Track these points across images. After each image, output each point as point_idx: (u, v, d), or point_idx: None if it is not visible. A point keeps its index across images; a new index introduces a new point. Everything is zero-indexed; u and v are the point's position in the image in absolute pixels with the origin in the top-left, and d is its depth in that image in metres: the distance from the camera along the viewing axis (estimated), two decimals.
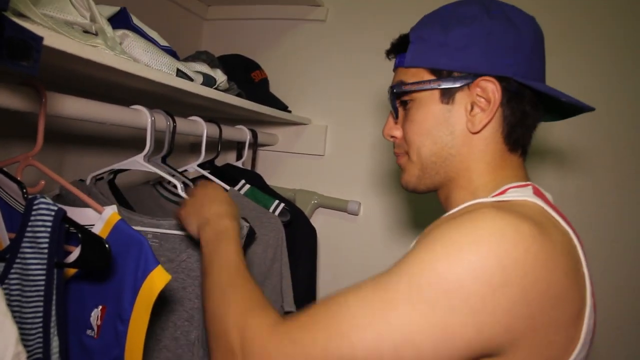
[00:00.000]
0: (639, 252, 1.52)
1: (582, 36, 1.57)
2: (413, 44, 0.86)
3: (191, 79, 1.16)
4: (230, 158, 1.75)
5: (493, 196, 0.77)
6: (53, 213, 0.73)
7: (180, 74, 1.11)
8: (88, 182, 1.13)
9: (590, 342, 0.70)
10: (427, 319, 0.61)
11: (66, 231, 0.78)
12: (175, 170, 1.19)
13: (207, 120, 1.35)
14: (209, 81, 1.24)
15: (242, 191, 1.43)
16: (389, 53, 0.92)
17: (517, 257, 0.61)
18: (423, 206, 1.71)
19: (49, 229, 0.73)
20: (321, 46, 1.88)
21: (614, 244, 1.52)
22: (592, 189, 1.57)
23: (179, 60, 1.16)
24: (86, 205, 0.86)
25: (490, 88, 0.79)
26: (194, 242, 1.09)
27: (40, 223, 0.73)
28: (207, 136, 1.33)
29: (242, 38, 1.99)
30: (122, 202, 1.21)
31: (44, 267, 0.73)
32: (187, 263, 1.09)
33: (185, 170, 1.38)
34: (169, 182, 1.33)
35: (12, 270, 0.73)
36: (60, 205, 0.75)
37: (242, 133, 1.57)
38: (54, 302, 0.74)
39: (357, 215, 1.82)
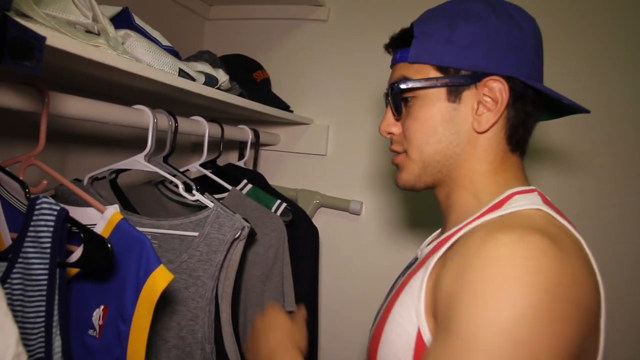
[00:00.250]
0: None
1: (581, 37, 1.57)
2: (417, 39, 0.84)
3: (193, 79, 1.16)
4: (232, 158, 1.75)
5: (497, 202, 0.77)
6: (55, 213, 0.73)
7: (182, 73, 1.11)
8: (85, 182, 1.13)
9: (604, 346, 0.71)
10: None
11: (68, 231, 0.78)
12: (177, 170, 1.19)
13: (209, 120, 1.35)
14: (211, 81, 1.24)
15: (244, 191, 1.43)
16: (388, 47, 0.91)
17: (556, 282, 0.61)
18: (425, 206, 1.71)
19: (51, 229, 0.73)
20: (323, 46, 1.88)
21: (616, 245, 1.52)
22: (592, 190, 1.57)
23: (181, 60, 1.16)
24: (88, 204, 0.86)
25: (498, 88, 0.78)
26: (195, 243, 1.10)
27: (42, 223, 0.73)
28: (209, 136, 1.33)
29: (244, 38, 1.99)
30: (124, 202, 1.21)
31: (47, 266, 0.73)
32: (188, 263, 1.09)
33: (187, 170, 1.39)
34: (171, 181, 1.34)
35: (15, 270, 0.73)
36: (62, 205, 0.75)
37: (244, 133, 1.57)
38: (56, 301, 0.74)
39: (359, 215, 1.82)
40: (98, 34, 0.92)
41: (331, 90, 1.87)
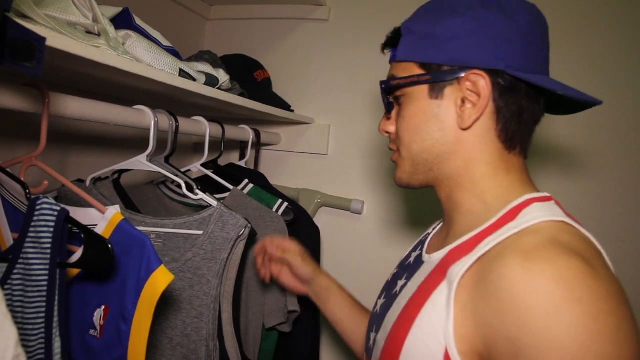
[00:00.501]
0: None
1: (587, 34, 1.57)
2: (404, 37, 0.83)
3: (194, 79, 1.16)
4: (233, 158, 1.75)
5: (511, 210, 0.74)
6: (56, 213, 0.73)
7: (182, 74, 1.11)
8: (87, 183, 1.14)
9: None
10: None
11: (70, 231, 0.78)
12: (178, 170, 1.19)
13: (210, 120, 1.35)
14: (211, 81, 1.25)
15: (246, 191, 1.43)
16: (383, 47, 0.90)
17: (614, 302, 0.61)
18: (427, 205, 1.70)
19: (51, 229, 0.73)
20: (324, 45, 1.88)
21: (619, 244, 1.52)
22: (594, 187, 1.56)
23: (182, 61, 1.16)
24: (89, 205, 0.86)
25: (480, 82, 0.76)
26: (199, 241, 1.10)
27: (43, 223, 0.73)
28: (210, 136, 1.33)
29: (244, 38, 1.99)
30: (127, 202, 1.21)
31: (47, 267, 0.73)
32: (192, 262, 1.10)
33: (189, 170, 1.39)
34: (173, 181, 1.34)
35: (15, 271, 0.73)
36: (63, 206, 0.75)
37: (245, 133, 1.57)
38: (56, 302, 0.74)
39: (360, 214, 1.82)
40: (98, 35, 0.92)
41: (332, 89, 1.87)
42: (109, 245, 0.75)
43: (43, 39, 0.62)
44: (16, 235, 0.77)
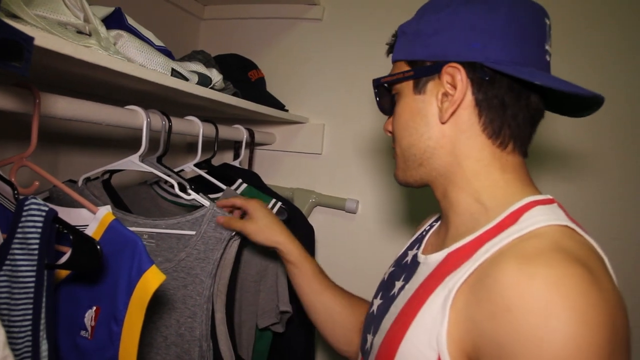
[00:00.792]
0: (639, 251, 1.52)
1: (586, 34, 1.57)
2: (399, 38, 0.85)
3: (186, 79, 1.16)
4: (227, 157, 1.75)
5: (513, 213, 0.73)
6: (44, 214, 0.73)
7: (175, 73, 1.11)
8: (80, 183, 1.13)
9: None
10: None
11: (60, 232, 0.78)
12: (171, 170, 1.19)
13: (204, 120, 1.35)
14: (204, 81, 1.24)
15: (239, 190, 1.43)
16: (388, 52, 0.91)
17: (609, 314, 0.60)
18: (421, 204, 1.70)
19: (39, 230, 0.72)
20: (318, 45, 1.88)
21: (614, 242, 1.52)
22: (590, 185, 1.57)
23: (175, 60, 1.16)
24: (81, 205, 0.86)
25: (456, 74, 0.76)
26: (192, 241, 1.10)
27: (30, 224, 0.72)
28: (203, 136, 1.33)
29: (238, 37, 1.99)
30: (117, 202, 1.21)
31: (34, 268, 0.72)
32: (186, 262, 1.10)
33: (182, 170, 1.38)
34: (166, 182, 1.34)
35: (1, 272, 0.72)
36: (51, 206, 0.75)
37: (239, 132, 1.57)
38: (43, 304, 0.73)
39: (355, 213, 1.82)
40: (89, 35, 0.91)
41: (326, 89, 1.87)
42: (98, 246, 0.74)
43: (31, 39, 0.61)
44: (5, 236, 0.77)
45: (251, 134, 1.62)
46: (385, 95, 0.91)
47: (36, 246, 0.73)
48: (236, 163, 1.60)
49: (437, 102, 0.79)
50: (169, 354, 1.07)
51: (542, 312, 0.59)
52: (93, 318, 0.81)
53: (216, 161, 1.50)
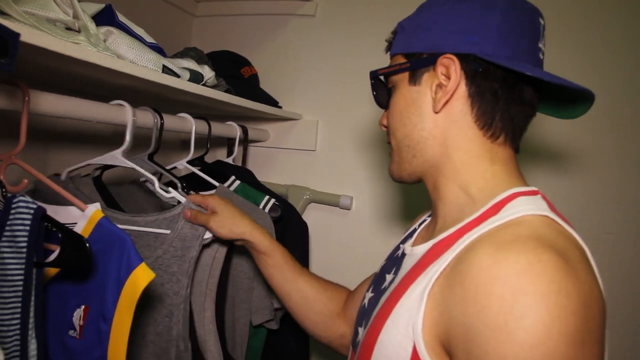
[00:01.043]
0: (632, 245, 1.52)
1: (579, 32, 1.57)
2: (397, 34, 0.87)
3: (178, 76, 1.15)
4: (221, 154, 1.74)
5: (496, 204, 0.73)
6: (32, 211, 0.72)
7: (166, 70, 1.11)
8: (63, 176, 1.12)
9: None
10: None
11: (49, 230, 0.77)
12: (163, 167, 1.18)
13: (197, 117, 1.34)
14: (196, 77, 1.24)
15: (232, 187, 1.42)
16: (387, 49, 0.92)
17: (580, 302, 0.59)
18: (416, 200, 1.70)
19: (27, 228, 0.72)
20: (311, 41, 1.88)
21: (609, 235, 1.53)
22: (586, 181, 1.57)
23: (166, 57, 1.16)
24: (68, 202, 0.85)
25: (451, 65, 0.77)
26: (169, 238, 1.09)
27: (19, 222, 0.72)
28: (196, 133, 1.32)
29: (232, 34, 1.99)
30: (108, 199, 1.20)
31: (23, 266, 0.71)
32: (163, 259, 1.08)
33: (175, 168, 1.38)
34: (160, 179, 1.33)
35: None
36: (40, 204, 0.74)
37: (232, 129, 1.57)
38: (32, 303, 0.73)
39: (349, 209, 1.82)
40: (79, 31, 0.91)
41: (320, 85, 1.87)
42: (87, 244, 0.74)
43: (17, 35, 0.61)
44: None
45: (245, 131, 1.61)
46: (382, 88, 0.92)
47: (24, 244, 0.73)
48: (230, 160, 1.60)
49: (431, 93, 0.80)
50: (147, 351, 1.05)
51: (511, 298, 0.59)
52: (82, 317, 0.81)
53: (210, 158, 1.50)
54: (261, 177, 1.63)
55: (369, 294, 0.93)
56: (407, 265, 0.83)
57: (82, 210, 0.83)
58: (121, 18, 1.08)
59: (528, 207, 0.71)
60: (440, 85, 0.79)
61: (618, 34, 1.53)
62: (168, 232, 1.09)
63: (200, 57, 1.41)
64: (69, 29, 0.91)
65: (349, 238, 1.84)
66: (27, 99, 0.81)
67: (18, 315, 0.72)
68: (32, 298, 0.74)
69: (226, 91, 1.42)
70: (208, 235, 1.11)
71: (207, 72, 1.31)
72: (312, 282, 1.15)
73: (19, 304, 0.72)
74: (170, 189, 1.16)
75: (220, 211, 1.11)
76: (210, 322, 1.13)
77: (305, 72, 1.89)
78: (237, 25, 1.98)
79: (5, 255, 0.71)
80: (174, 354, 1.04)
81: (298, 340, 1.48)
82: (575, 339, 0.57)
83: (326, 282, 1.18)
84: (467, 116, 0.79)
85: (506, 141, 0.81)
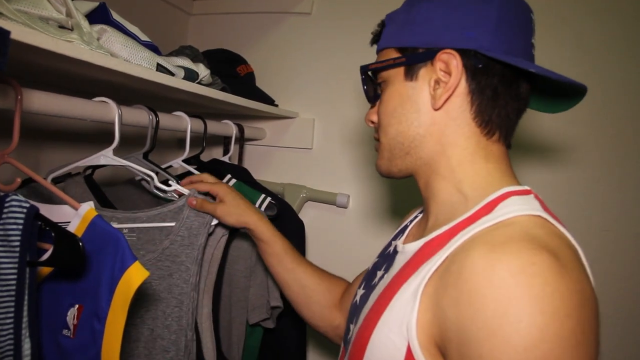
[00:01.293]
0: (630, 242, 1.52)
1: (567, 27, 1.57)
2: (386, 26, 0.86)
3: (172, 74, 1.15)
4: (217, 153, 1.74)
5: (489, 203, 0.73)
6: (25, 210, 0.72)
7: (160, 68, 1.10)
8: (49, 180, 1.10)
9: None
10: None
11: (42, 229, 0.77)
12: (158, 166, 1.18)
13: (193, 115, 1.34)
14: (190, 75, 1.23)
15: None
16: (372, 42, 0.91)
17: (574, 304, 0.59)
18: (412, 198, 1.69)
19: (20, 227, 0.71)
20: (307, 39, 1.88)
21: (604, 232, 1.53)
22: (578, 178, 1.57)
23: (161, 55, 1.15)
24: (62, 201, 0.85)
25: (451, 61, 0.76)
26: (175, 229, 1.09)
27: (12, 221, 0.71)
28: (192, 131, 1.31)
29: (228, 32, 1.98)
30: (100, 198, 1.19)
31: (16, 266, 0.71)
32: (170, 250, 1.08)
33: (170, 167, 1.37)
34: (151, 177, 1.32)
35: None
36: (33, 202, 0.74)
37: (228, 128, 1.56)
38: (25, 302, 0.72)
39: (346, 208, 1.82)
40: (71, 29, 0.90)
41: (316, 83, 1.86)
42: (80, 243, 0.73)
43: (7, 33, 0.60)
44: None
45: (241, 130, 1.61)
46: (372, 83, 0.91)
47: (17, 243, 0.72)
48: (226, 159, 1.59)
49: (429, 89, 0.79)
50: (155, 347, 1.05)
51: (505, 301, 0.59)
52: (75, 316, 0.80)
53: (206, 157, 1.50)
54: (257, 175, 1.63)
55: (361, 291, 0.93)
56: (398, 263, 0.82)
57: (76, 208, 0.83)
58: (115, 16, 1.08)
59: (521, 207, 0.71)
60: (438, 81, 0.78)
61: (615, 29, 1.53)
62: (173, 224, 1.11)
63: (195, 55, 1.41)
64: (62, 27, 0.90)
65: (345, 236, 1.84)
66: (19, 97, 0.81)
67: (11, 315, 0.72)
68: (26, 297, 0.73)
69: (222, 89, 1.41)
70: (215, 221, 1.13)
71: (202, 70, 1.30)
72: (311, 272, 1.17)
73: (12, 303, 0.72)
74: (171, 181, 1.17)
75: (228, 200, 1.13)
76: (207, 319, 1.13)
77: (301, 70, 1.89)
78: (233, 23, 1.98)
79: None
80: (183, 344, 1.05)
81: (295, 339, 1.48)
82: (570, 341, 0.57)
83: (325, 273, 1.20)
84: (466, 113, 0.79)
85: (500, 138, 0.81)
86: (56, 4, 0.90)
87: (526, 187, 0.77)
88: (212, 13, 2.00)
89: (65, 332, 0.81)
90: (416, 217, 0.99)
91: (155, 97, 1.39)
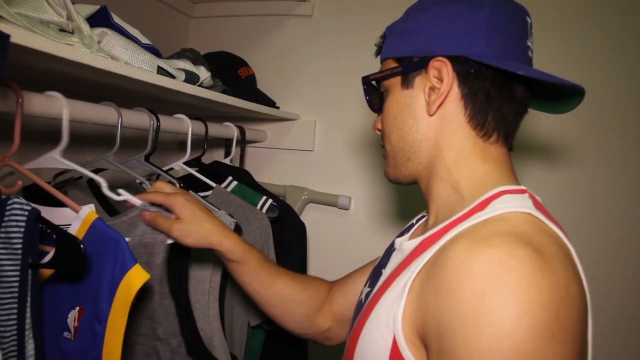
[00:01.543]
0: (632, 243, 1.52)
1: (566, 29, 1.57)
2: (386, 38, 0.88)
3: (173, 77, 1.15)
4: (218, 155, 1.74)
5: (483, 201, 0.74)
6: (26, 213, 0.72)
7: (161, 71, 1.11)
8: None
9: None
10: None
11: (43, 231, 0.77)
12: (160, 168, 1.18)
13: (194, 118, 1.34)
14: (191, 78, 1.24)
15: (229, 188, 1.43)
16: (376, 53, 0.93)
17: (551, 298, 0.58)
18: (413, 200, 1.70)
19: (22, 229, 0.72)
20: (308, 41, 1.88)
21: (607, 233, 1.52)
22: (580, 180, 1.57)
23: (162, 58, 1.15)
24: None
25: (443, 68, 0.78)
26: (131, 246, 0.97)
27: (13, 223, 0.72)
28: (193, 134, 1.32)
29: (229, 35, 1.99)
30: (102, 201, 1.19)
31: (18, 268, 0.71)
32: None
33: (172, 169, 1.38)
34: (157, 179, 1.32)
35: None
36: (34, 205, 0.74)
37: (230, 130, 1.57)
38: (28, 303, 0.73)
39: (347, 209, 1.82)
40: (72, 33, 0.91)
41: (317, 85, 1.87)
42: (81, 245, 0.73)
43: (7, 36, 0.61)
44: None
45: (242, 132, 1.61)
46: (374, 93, 0.94)
47: (19, 246, 0.72)
48: (227, 161, 1.60)
49: (424, 96, 0.82)
50: (136, 352, 0.98)
51: (481, 291, 0.59)
52: (76, 319, 0.80)
53: (207, 159, 1.50)
54: (259, 177, 1.63)
55: (366, 289, 0.94)
56: (395, 260, 0.85)
57: (76, 211, 0.83)
58: (116, 19, 1.08)
59: (512, 204, 0.72)
60: (432, 88, 0.80)
61: (617, 30, 1.53)
62: (128, 239, 0.87)
63: (196, 58, 1.41)
64: (62, 30, 0.91)
65: (347, 238, 1.83)
66: (20, 100, 0.81)
67: (15, 316, 0.72)
68: (29, 299, 0.74)
69: (223, 92, 1.42)
70: (170, 240, 0.97)
71: (203, 73, 1.30)
72: (291, 283, 1.09)
73: (15, 305, 0.72)
74: (120, 190, 0.99)
75: (186, 217, 0.97)
76: (215, 320, 1.13)
77: (302, 72, 1.89)
78: (234, 26, 1.98)
79: (1, 256, 0.71)
80: (167, 352, 0.98)
81: (296, 341, 1.48)
82: (545, 334, 0.57)
83: (305, 279, 1.14)
84: (460, 117, 0.80)
85: (499, 140, 0.82)
86: (57, 7, 0.91)
87: (522, 187, 0.78)
88: (213, 16, 2.00)
89: (66, 334, 0.81)
90: (423, 217, 1.00)
91: (156, 100, 1.39)
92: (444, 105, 0.80)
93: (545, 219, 0.70)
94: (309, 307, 1.10)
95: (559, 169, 1.59)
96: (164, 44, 1.25)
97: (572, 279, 0.63)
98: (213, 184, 1.36)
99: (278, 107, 1.77)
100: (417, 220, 1.01)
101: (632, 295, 1.51)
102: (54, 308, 0.83)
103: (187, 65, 1.26)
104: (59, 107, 0.90)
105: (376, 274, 0.93)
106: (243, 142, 1.65)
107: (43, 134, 1.41)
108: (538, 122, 1.57)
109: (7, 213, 0.72)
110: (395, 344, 0.68)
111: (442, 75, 0.78)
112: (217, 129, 1.48)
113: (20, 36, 0.69)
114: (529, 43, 0.81)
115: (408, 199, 1.74)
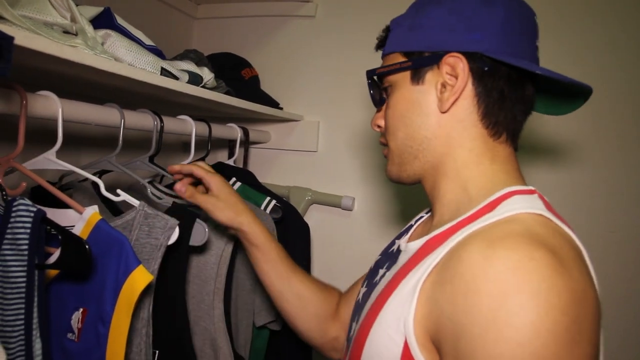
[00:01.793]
0: (636, 243, 1.52)
1: (570, 30, 1.57)
2: (392, 31, 0.86)
3: (176, 78, 1.15)
4: (222, 156, 1.75)
5: (492, 201, 0.73)
6: (32, 214, 0.73)
7: (164, 72, 1.11)
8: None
9: None
10: None
11: (48, 232, 0.77)
12: (164, 169, 1.18)
13: (197, 119, 1.34)
14: (195, 79, 1.24)
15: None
16: (377, 47, 0.92)
17: (570, 301, 0.58)
18: (417, 201, 1.69)
19: (28, 230, 0.72)
20: (311, 42, 1.88)
21: (610, 234, 1.52)
22: (584, 179, 1.56)
23: (165, 60, 1.16)
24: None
25: (458, 64, 0.77)
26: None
27: (20, 224, 0.72)
28: (197, 135, 1.32)
29: (232, 36, 1.99)
30: (107, 203, 1.19)
31: (25, 269, 0.72)
32: None
33: None
34: (161, 181, 1.32)
35: None
36: (39, 206, 0.74)
37: (233, 131, 1.57)
38: (35, 303, 0.73)
39: (351, 210, 1.82)
40: (76, 34, 0.91)
41: (321, 86, 1.87)
42: (86, 246, 0.74)
43: (11, 38, 0.61)
44: None
45: (245, 133, 1.61)
46: (379, 87, 0.91)
47: (26, 246, 0.73)
48: (231, 162, 1.60)
49: (436, 92, 0.80)
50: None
51: (500, 296, 0.58)
52: (80, 320, 0.81)
53: (211, 160, 1.50)
54: (263, 178, 1.63)
55: (363, 289, 0.93)
56: (401, 260, 0.82)
57: (80, 212, 0.83)
58: (120, 21, 1.08)
59: (523, 205, 0.71)
60: (445, 85, 0.79)
61: (619, 29, 1.53)
62: None
63: (200, 59, 1.41)
64: (66, 32, 0.91)
65: (350, 239, 1.83)
66: (24, 102, 0.81)
67: (22, 316, 0.73)
68: (35, 299, 0.74)
69: (226, 93, 1.42)
70: (173, 239, 0.96)
71: (207, 74, 1.31)
72: (308, 282, 1.11)
73: (23, 305, 0.73)
74: (119, 191, 1.00)
75: (222, 195, 1.05)
76: (220, 320, 1.13)
77: (305, 73, 1.89)
78: (238, 27, 1.98)
79: (8, 257, 0.72)
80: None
81: (301, 342, 1.48)
82: (565, 338, 0.56)
83: (320, 283, 1.15)
84: (473, 115, 0.79)
85: (507, 139, 0.81)
86: (60, 9, 0.91)
87: (530, 187, 0.77)
88: (217, 17, 2.00)
89: (69, 335, 0.81)
90: (421, 217, 1.00)
91: (160, 101, 1.39)
92: (457, 103, 0.79)
93: (557, 220, 0.70)
94: (321, 309, 1.10)
95: (560, 169, 1.58)
96: (168, 46, 1.25)
97: (587, 282, 0.62)
98: None
99: (281, 108, 1.77)
100: (416, 221, 1.00)
101: (635, 295, 1.51)
102: (58, 309, 0.83)
103: (191, 66, 1.26)
104: (53, 107, 0.90)
105: (373, 274, 0.93)
106: (247, 143, 1.65)
107: (44, 134, 1.42)
108: (540, 122, 1.57)
109: (13, 214, 0.73)
110: (407, 347, 0.67)
111: (456, 71, 0.77)
112: (220, 130, 1.49)
113: (24, 38, 0.69)
114: (537, 43, 0.81)
115: (412, 200, 1.73)
